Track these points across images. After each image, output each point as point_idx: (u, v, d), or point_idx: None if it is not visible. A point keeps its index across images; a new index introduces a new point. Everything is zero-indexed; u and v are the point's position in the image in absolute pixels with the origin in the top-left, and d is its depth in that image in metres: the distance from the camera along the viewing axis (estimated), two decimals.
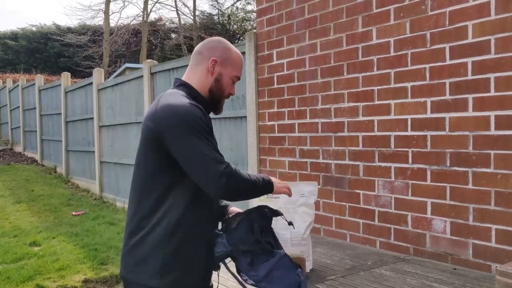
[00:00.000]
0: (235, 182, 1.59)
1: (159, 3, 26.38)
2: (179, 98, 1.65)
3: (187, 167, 1.58)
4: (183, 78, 1.78)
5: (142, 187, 1.68)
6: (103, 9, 22.63)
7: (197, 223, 1.67)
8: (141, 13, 24.36)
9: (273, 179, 1.77)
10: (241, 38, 22.04)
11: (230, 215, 1.87)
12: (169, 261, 1.63)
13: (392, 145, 3.46)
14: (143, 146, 1.69)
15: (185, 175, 1.61)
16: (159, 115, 1.61)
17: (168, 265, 1.63)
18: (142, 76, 7.29)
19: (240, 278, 1.73)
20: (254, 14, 21.37)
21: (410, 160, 3.34)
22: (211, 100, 1.76)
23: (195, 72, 1.77)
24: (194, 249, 1.67)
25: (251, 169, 4.82)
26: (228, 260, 1.74)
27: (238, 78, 1.82)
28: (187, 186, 1.63)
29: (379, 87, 3.54)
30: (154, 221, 1.63)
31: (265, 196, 2.22)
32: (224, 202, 1.97)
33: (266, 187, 1.73)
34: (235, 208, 1.94)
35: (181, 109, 1.60)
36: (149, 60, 7.40)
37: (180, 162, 1.58)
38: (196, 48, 1.83)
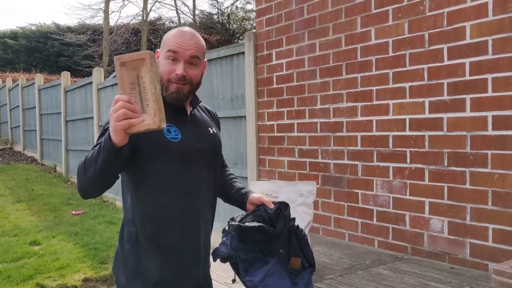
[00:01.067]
0: (79, 172, 1.43)
1: (159, 2, 26.40)
2: None
3: None
4: None
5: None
6: (103, 8, 22.60)
7: (152, 225, 1.62)
8: (141, 12, 24.34)
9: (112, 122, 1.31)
10: (240, 37, 22.02)
11: (250, 205, 1.80)
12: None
13: (391, 145, 3.48)
14: None
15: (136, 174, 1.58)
16: None
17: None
18: None
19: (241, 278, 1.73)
20: (254, 13, 21.37)
21: (408, 160, 3.36)
22: (164, 90, 1.58)
23: None
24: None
25: (250, 169, 4.84)
26: None
27: (173, 52, 1.57)
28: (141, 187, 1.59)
29: (378, 87, 3.56)
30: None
31: (264, 194, 2.18)
32: (244, 190, 1.87)
33: (102, 149, 1.37)
34: (255, 195, 1.82)
35: None
36: None
37: None
38: None
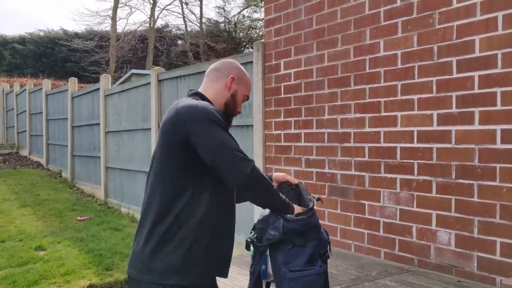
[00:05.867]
0: (260, 180, 1.68)
1: (166, 9, 26.62)
2: (197, 101, 1.79)
3: (214, 158, 1.65)
4: (199, 90, 1.91)
5: (166, 193, 1.73)
6: (111, 15, 22.77)
7: (220, 223, 1.77)
8: (148, 19, 24.53)
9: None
10: (247, 46, 22.14)
11: (275, 182, 2.00)
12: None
13: (398, 157, 3.48)
14: (164, 153, 1.74)
15: (207, 177, 1.71)
16: (181, 116, 1.70)
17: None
18: (149, 83, 7.35)
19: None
20: (260, 22, 21.47)
21: (415, 172, 3.36)
22: (225, 114, 1.85)
23: (212, 87, 1.90)
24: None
25: None
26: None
27: (247, 98, 1.99)
28: (209, 188, 1.73)
29: (386, 99, 3.57)
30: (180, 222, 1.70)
31: None
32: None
33: (287, 206, 1.78)
34: (279, 173, 2.05)
35: (201, 105, 1.72)
36: (156, 67, 7.46)
37: (206, 154, 1.65)
38: (213, 66, 1.97)
